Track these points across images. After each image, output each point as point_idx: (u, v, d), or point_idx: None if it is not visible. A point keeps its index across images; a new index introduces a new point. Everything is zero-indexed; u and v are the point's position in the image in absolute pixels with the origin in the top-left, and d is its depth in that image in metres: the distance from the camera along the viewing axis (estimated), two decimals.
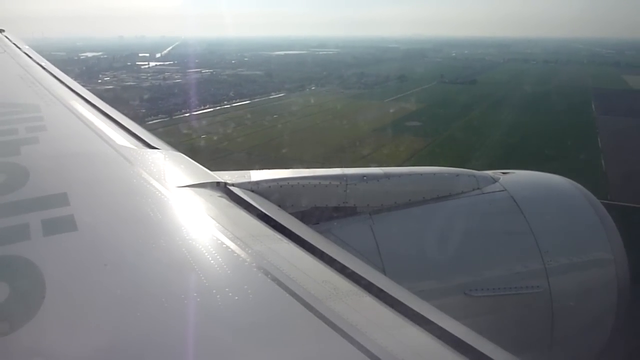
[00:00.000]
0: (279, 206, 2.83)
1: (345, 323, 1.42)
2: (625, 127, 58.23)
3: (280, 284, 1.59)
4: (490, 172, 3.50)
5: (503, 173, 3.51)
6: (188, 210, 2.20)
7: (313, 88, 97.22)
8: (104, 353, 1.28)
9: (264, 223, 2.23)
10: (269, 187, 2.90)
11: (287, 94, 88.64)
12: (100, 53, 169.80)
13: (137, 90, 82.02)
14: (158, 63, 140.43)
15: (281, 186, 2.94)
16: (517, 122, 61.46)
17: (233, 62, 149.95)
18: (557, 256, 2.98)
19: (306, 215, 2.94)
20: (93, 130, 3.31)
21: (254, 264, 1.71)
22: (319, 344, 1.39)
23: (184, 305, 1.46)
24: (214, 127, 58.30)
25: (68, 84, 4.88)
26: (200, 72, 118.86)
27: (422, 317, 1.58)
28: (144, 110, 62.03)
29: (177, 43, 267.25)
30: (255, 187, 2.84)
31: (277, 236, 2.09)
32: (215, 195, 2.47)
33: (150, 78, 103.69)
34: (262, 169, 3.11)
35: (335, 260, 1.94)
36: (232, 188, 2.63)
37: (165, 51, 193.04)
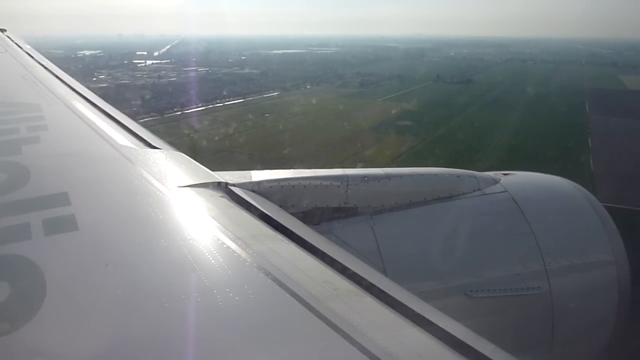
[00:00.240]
0: (280, 206, 2.83)
1: (346, 323, 1.42)
2: (618, 127, 58.21)
3: (280, 284, 1.59)
4: (491, 173, 3.51)
5: (504, 174, 3.52)
6: (189, 210, 2.20)
7: (308, 87, 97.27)
8: (105, 353, 1.27)
9: (264, 223, 2.23)
10: (270, 187, 2.91)
11: (281, 93, 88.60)
12: (98, 51, 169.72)
13: (130, 89, 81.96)
14: (155, 61, 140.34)
15: (282, 186, 2.94)
16: (508, 122, 61.40)
17: (230, 60, 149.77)
18: (558, 257, 2.98)
19: (307, 216, 2.95)
20: (94, 130, 3.32)
21: (255, 264, 1.70)
22: (319, 344, 1.38)
23: (184, 305, 1.46)
24: (203, 126, 58.36)
25: (69, 83, 4.90)
26: (197, 70, 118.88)
27: (423, 318, 1.58)
28: (135, 109, 61.86)
29: (176, 41, 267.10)
30: (256, 188, 2.85)
31: (278, 236, 2.10)
32: (216, 195, 2.47)
33: (145, 76, 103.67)
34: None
35: (336, 260, 1.94)
36: (233, 188, 2.63)
37: (163, 49, 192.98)
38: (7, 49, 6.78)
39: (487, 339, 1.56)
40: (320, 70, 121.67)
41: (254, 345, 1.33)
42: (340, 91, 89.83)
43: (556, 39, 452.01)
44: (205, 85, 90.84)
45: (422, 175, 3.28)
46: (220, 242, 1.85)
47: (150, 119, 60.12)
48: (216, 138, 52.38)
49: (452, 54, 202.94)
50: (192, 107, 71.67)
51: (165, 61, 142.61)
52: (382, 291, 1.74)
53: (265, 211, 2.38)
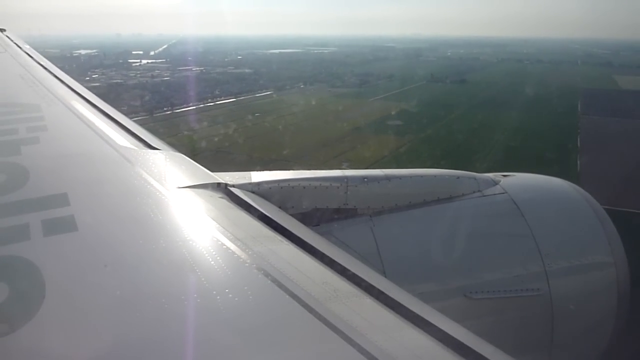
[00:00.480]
0: (280, 207, 2.84)
1: (345, 325, 1.42)
2: (608, 127, 58.13)
3: (280, 285, 1.59)
4: (490, 175, 3.51)
5: (504, 175, 3.52)
6: (188, 211, 2.21)
7: (301, 86, 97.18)
8: (104, 354, 1.27)
9: (264, 224, 2.24)
10: (270, 188, 2.91)
11: (273, 92, 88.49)
12: (94, 51, 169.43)
13: (122, 88, 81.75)
14: (150, 61, 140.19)
15: (282, 187, 2.95)
16: (497, 121, 61.33)
17: (226, 60, 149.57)
18: (557, 259, 2.98)
19: (307, 217, 2.95)
20: (94, 131, 3.32)
21: (255, 265, 1.70)
22: (318, 345, 1.39)
23: (184, 306, 1.46)
24: (191, 126, 58.17)
25: (69, 83, 4.89)
26: (191, 70, 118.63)
27: (422, 319, 1.58)
28: (124, 108, 61.73)
29: (173, 41, 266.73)
30: (255, 189, 2.85)
31: (278, 237, 2.10)
32: (216, 196, 2.47)
33: (138, 76, 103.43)
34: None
35: (335, 262, 1.94)
36: (232, 189, 2.64)
37: (160, 49, 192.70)
38: (7, 49, 6.77)
39: (486, 341, 1.56)
40: (315, 70, 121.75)
41: (254, 347, 1.33)
42: (332, 91, 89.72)
43: (554, 39, 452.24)
44: (197, 85, 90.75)
45: (421, 176, 3.29)
46: (220, 243, 1.85)
47: (139, 118, 59.91)
48: (203, 137, 52.28)
49: (449, 54, 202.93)
50: (183, 106, 71.46)
51: (160, 61, 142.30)
52: (382, 292, 1.73)
53: (264, 212, 2.38)
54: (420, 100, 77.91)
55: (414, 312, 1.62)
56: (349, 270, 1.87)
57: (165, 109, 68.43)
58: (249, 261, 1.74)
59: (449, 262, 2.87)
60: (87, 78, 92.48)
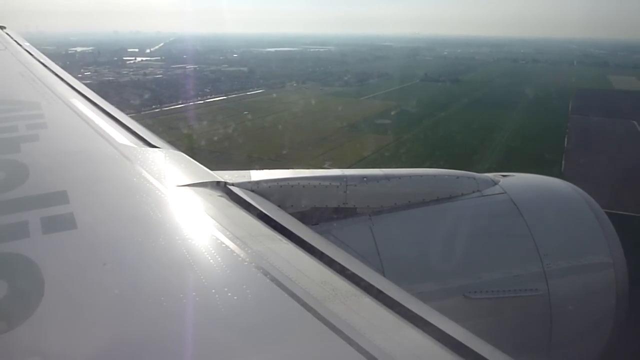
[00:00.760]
0: (279, 206, 2.84)
1: (344, 324, 1.42)
2: (597, 127, 57.89)
3: (279, 284, 1.60)
4: (490, 175, 3.52)
5: (503, 176, 3.53)
6: (188, 210, 2.21)
7: (294, 85, 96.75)
8: (103, 352, 1.27)
9: (263, 223, 2.25)
10: (269, 187, 2.92)
11: (265, 90, 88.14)
12: (90, 48, 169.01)
13: (113, 86, 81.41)
14: (144, 58, 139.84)
15: (281, 186, 2.96)
16: (486, 121, 60.97)
17: (221, 58, 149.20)
18: (556, 259, 2.99)
19: (306, 216, 2.97)
20: (93, 129, 3.33)
21: (253, 264, 1.71)
22: (317, 344, 1.39)
23: (182, 304, 1.47)
24: (177, 123, 57.72)
25: (69, 81, 4.90)
26: (184, 68, 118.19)
27: (421, 318, 1.59)
28: (113, 105, 61.32)
29: (171, 39, 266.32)
30: (255, 187, 2.86)
31: (277, 236, 2.11)
32: (215, 194, 2.48)
33: (131, 73, 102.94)
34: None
35: (334, 261, 1.94)
36: (232, 188, 2.64)
37: (156, 47, 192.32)
38: (7, 47, 6.76)
39: (485, 340, 1.57)
40: (309, 68, 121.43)
41: (252, 345, 1.33)
42: (324, 89, 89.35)
43: (553, 40, 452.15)
44: (189, 83, 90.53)
45: (421, 176, 3.29)
46: (219, 241, 1.85)
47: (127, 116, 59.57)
48: (185, 135, 51.96)
49: (445, 53, 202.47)
50: (172, 104, 71.17)
51: (155, 58, 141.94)
52: (381, 292, 1.74)
53: (264, 211, 2.38)
54: (410, 99, 77.52)
55: (413, 312, 1.62)
56: (348, 270, 1.87)
57: (153, 106, 68.12)
58: (248, 260, 1.73)
59: (448, 261, 2.88)
60: (80, 75, 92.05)
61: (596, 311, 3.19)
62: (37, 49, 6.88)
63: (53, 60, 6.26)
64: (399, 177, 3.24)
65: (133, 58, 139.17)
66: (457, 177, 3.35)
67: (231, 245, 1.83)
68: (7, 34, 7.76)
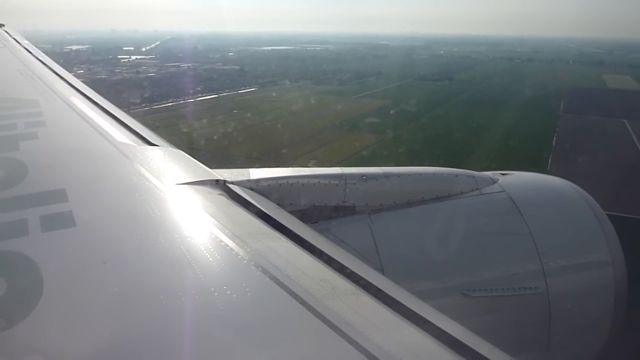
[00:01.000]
0: (278, 205, 2.82)
1: (343, 322, 1.43)
2: (587, 126, 57.73)
3: (278, 282, 1.60)
4: (489, 173, 3.53)
5: (502, 174, 3.54)
6: (187, 208, 2.21)
7: (287, 83, 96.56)
8: (102, 350, 1.28)
9: (262, 221, 2.25)
10: (268, 185, 2.92)
11: (258, 89, 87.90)
12: (86, 46, 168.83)
13: (104, 84, 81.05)
14: (139, 57, 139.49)
15: (280, 185, 2.96)
16: (475, 119, 60.76)
17: (217, 56, 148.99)
18: (555, 258, 2.99)
19: (305, 214, 2.97)
20: (92, 127, 3.32)
21: (252, 262, 1.71)
22: (316, 342, 1.39)
23: (181, 302, 1.47)
24: (165, 122, 57.58)
25: (68, 79, 4.89)
26: (178, 66, 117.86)
27: (420, 317, 1.59)
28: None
29: (168, 37, 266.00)
30: (254, 185, 2.86)
31: (276, 235, 2.12)
32: (214, 193, 2.48)
33: (124, 72, 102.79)
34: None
35: (333, 259, 1.95)
36: (231, 186, 2.64)
37: (152, 45, 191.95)
38: (6, 44, 6.77)
39: (484, 339, 1.57)
40: (304, 67, 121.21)
41: (251, 343, 1.33)
42: (316, 88, 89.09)
43: (551, 39, 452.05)
44: (182, 81, 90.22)
45: (420, 174, 3.29)
46: (218, 239, 1.86)
47: None
48: (173, 133, 51.80)
49: (442, 52, 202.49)
50: (162, 102, 70.98)
51: (149, 57, 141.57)
52: (380, 290, 1.74)
53: (263, 209, 2.39)
54: (400, 98, 77.20)
55: (412, 310, 1.62)
56: (347, 268, 1.87)
57: (143, 105, 67.91)
58: (247, 258, 1.74)
59: (447, 260, 2.88)
60: (72, 74, 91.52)
61: (595, 309, 3.18)
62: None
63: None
64: (398, 175, 3.23)
65: (127, 56, 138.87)
66: (456, 176, 3.35)
67: (230, 243, 1.83)
68: (6, 31, 7.79)
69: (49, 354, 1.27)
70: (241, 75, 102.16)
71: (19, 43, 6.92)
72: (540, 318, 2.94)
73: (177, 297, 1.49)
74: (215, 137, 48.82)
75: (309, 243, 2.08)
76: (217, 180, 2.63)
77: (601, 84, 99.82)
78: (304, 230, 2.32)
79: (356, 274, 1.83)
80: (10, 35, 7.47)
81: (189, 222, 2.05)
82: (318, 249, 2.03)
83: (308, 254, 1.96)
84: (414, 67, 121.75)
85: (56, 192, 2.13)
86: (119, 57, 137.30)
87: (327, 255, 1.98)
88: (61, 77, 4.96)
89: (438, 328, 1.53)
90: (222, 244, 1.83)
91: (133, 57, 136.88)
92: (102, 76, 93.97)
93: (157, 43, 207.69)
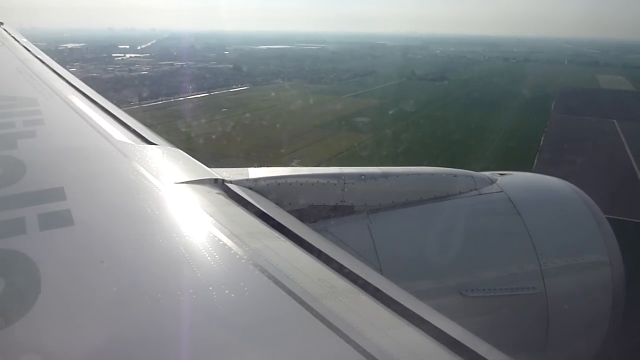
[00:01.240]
0: (277, 204, 2.83)
1: (341, 322, 1.43)
2: (576, 126, 57.72)
3: (276, 281, 1.60)
4: (487, 173, 3.53)
5: (500, 174, 3.54)
6: (185, 207, 2.21)
7: (279, 82, 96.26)
8: (100, 349, 1.27)
9: (261, 221, 2.25)
10: (267, 184, 2.91)
11: (250, 87, 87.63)
12: (81, 44, 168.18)
13: (96, 82, 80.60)
14: (133, 55, 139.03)
15: (279, 184, 2.95)
16: (464, 119, 60.70)
17: (211, 55, 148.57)
18: (553, 258, 2.99)
19: (304, 214, 2.96)
20: (91, 125, 3.32)
21: (251, 262, 1.71)
22: (314, 342, 1.39)
23: (179, 302, 1.46)
24: (157, 120, 57.40)
25: (66, 78, 4.86)
26: (172, 64, 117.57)
27: (418, 316, 1.59)
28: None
29: (165, 36, 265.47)
30: (253, 185, 2.85)
31: (274, 234, 2.12)
32: (213, 192, 2.48)
33: (116, 70, 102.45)
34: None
35: (332, 258, 1.95)
36: (229, 185, 2.63)
37: (148, 43, 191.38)
38: (4, 43, 6.77)
39: (482, 338, 1.57)
40: (298, 66, 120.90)
41: (249, 343, 1.33)
42: (310, 87, 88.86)
43: (549, 39, 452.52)
44: (174, 80, 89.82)
45: (419, 174, 3.30)
46: (217, 239, 1.86)
47: None
48: (160, 132, 51.57)
49: (438, 52, 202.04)
50: (152, 100, 70.82)
51: (144, 55, 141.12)
52: (378, 290, 1.74)
53: (261, 208, 2.38)
54: (391, 97, 76.93)
55: (410, 310, 1.62)
56: (346, 268, 1.87)
57: (131, 103, 67.68)
58: (245, 257, 1.73)
59: (445, 260, 2.87)
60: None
61: (592, 310, 3.18)
62: None
63: None
64: (397, 175, 3.23)
65: (122, 55, 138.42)
66: (455, 176, 3.35)
67: (229, 242, 1.82)
68: (5, 30, 7.80)
69: (46, 353, 1.26)
70: (235, 74, 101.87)
71: (18, 41, 6.93)
72: (538, 318, 2.94)
73: (175, 296, 1.48)
74: (199, 135, 48.66)
75: (308, 243, 2.08)
76: (216, 180, 2.61)
77: (594, 84, 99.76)
78: (303, 230, 2.31)
79: (354, 273, 1.82)
80: (9, 34, 7.46)
81: (187, 221, 2.04)
82: (316, 248, 2.02)
83: (306, 254, 1.95)
84: (409, 67, 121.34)
85: (54, 191, 2.13)
86: (113, 55, 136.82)
87: (325, 254, 1.96)
88: (60, 76, 4.95)
89: (436, 328, 1.52)
90: (221, 243, 1.82)
91: (127, 56, 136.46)
92: (94, 74, 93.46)
93: (153, 41, 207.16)
